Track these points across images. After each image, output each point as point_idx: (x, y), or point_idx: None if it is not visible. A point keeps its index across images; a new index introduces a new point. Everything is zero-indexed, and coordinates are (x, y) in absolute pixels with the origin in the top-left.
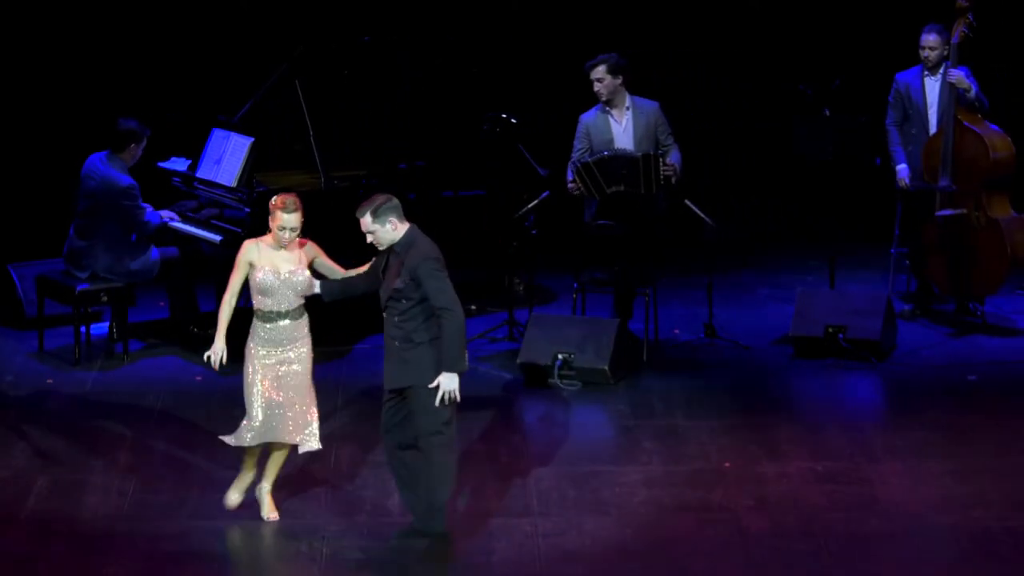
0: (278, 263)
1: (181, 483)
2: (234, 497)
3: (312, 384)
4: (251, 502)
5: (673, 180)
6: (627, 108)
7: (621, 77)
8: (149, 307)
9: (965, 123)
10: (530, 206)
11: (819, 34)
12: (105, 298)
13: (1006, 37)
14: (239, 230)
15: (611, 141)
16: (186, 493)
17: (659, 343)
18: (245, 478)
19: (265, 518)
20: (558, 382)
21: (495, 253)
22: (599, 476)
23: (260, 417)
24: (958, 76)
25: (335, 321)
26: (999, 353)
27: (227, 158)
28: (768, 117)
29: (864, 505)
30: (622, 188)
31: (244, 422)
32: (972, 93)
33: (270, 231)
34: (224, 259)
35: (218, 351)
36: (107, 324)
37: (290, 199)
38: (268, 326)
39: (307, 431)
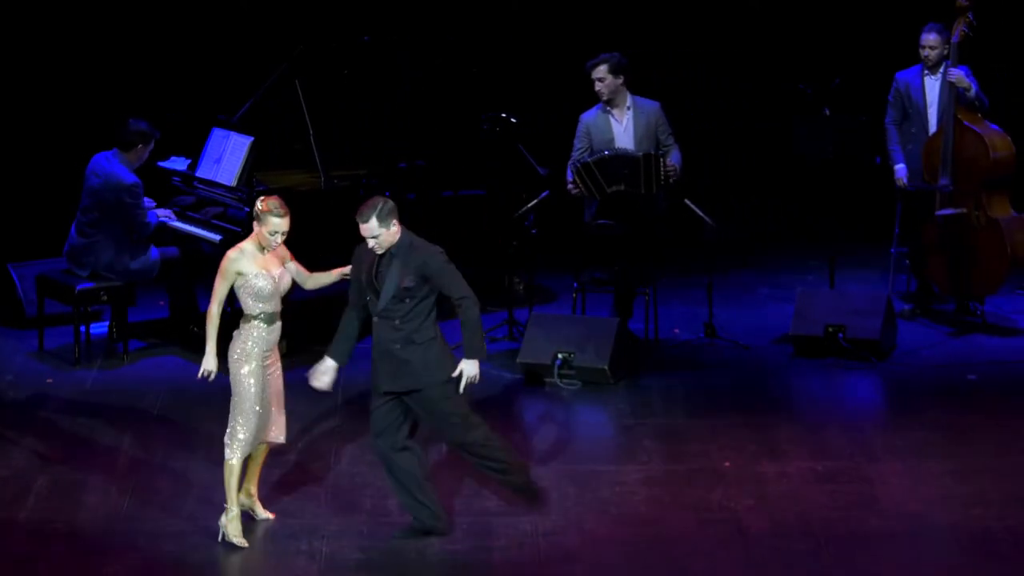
0: (268, 266)
1: (181, 483)
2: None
3: None
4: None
5: (672, 180)
6: (628, 108)
7: (622, 77)
8: (149, 307)
9: (965, 122)
10: (530, 206)
11: (819, 34)
12: (105, 297)
13: (1006, 36)
14: (239, 229)
15: (612, 141)
16: (186, 493)
17: (659, 343)
18: (236, 508)
19: (260, 518)
20: (558, 381)
21: (495, 253)
22: (599, 475)
23: (257, 424)
24: (958, 75)
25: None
26: (999, 353)
27: (227, 157)
28: (768, 117)
29: (864, 504)
30: (622, 188)
31: (242, 436)
32: (972, 92)
33: (254, 234)
34: None
35: (212, 369)
36: (107, 324)
37: (278, 202)
38: (269, 327)
39: (282, 425)
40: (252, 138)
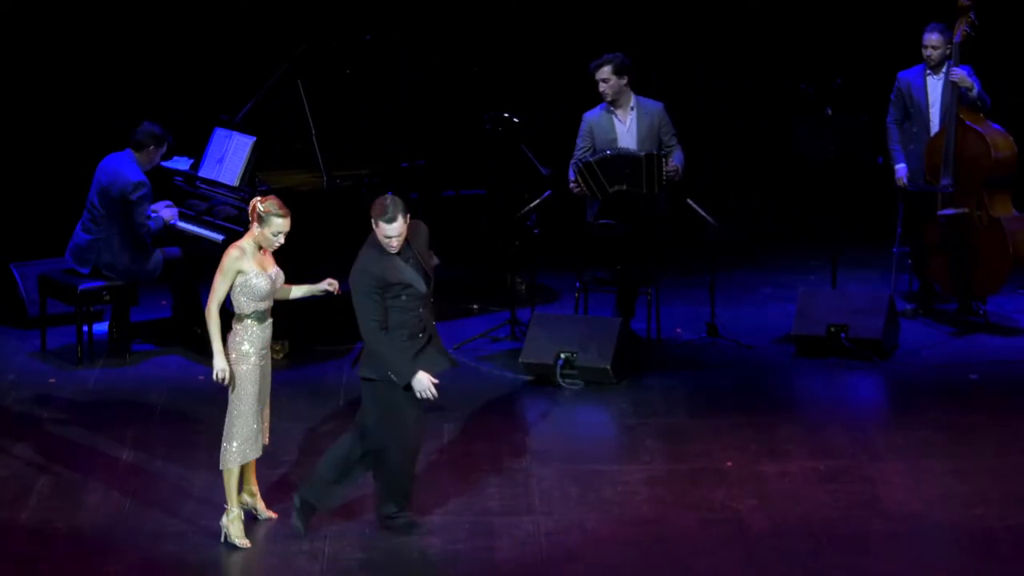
0: (265, 265)
1: (182, 483)
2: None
3: None
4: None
5: (675, 180)
6: (631, 108)
7: (626, 77)
8: (152, 306)
9: (967, 122)
10: (532, 205)
11: (820, 34)
12: (108, 297)
13: (1008, 36)
14: (241, 229)
15: (614, 141)
16: (187, 493)
17: (661, 342)
18: (237, 508)
19: (263, 518)
20: (560, 381)
21: (497, 252)
22: (601, 475)
23: (255, 425)
24: (960, 75)
25: (335, 320)
26: (1001, 352)
27: (229, 157)
28: (768, 117)
29: (865, 504)
30: (624, 188)
31: (239, 440)
32: (974, 92)
33: (251, 233)
34: None
35: (225, 368)
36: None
37: (278, 202)
38: (262, 325)
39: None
40: (254, 138)
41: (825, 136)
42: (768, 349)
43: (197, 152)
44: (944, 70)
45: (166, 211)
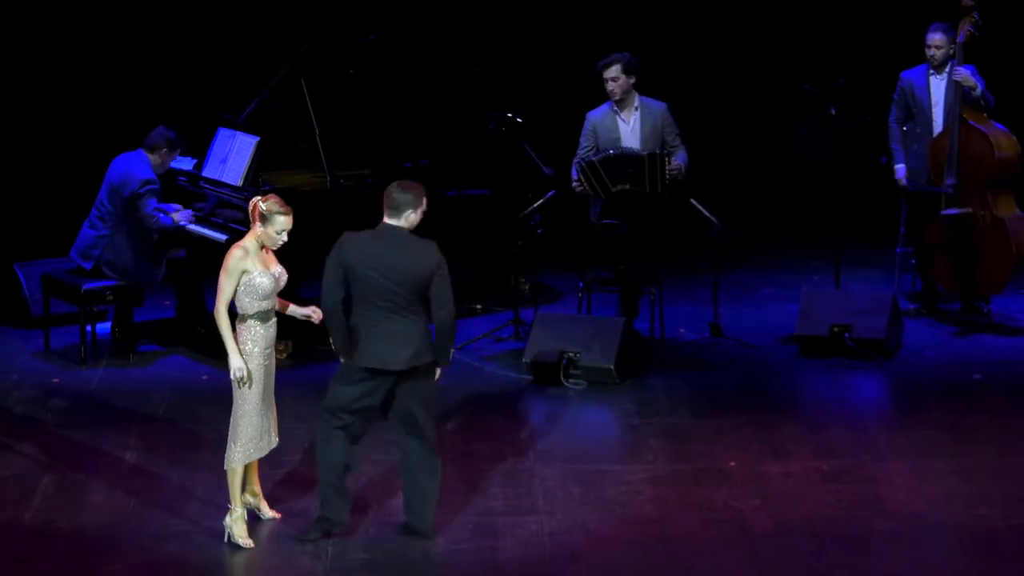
0: (268, 264)
1: (186, 483)
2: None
3: None
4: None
5: (678, 179)
6: (636, 108)
7: (634, 77)
8: (155, 306)
9: (970, 122)
10: (535, 205)
11: (820, 34)
12: (111, 297)
13: (1012, 35)
14: (245, 229)
15: (618, 140)
16: (190, 493)
17: (665, 342)
18: (241, 508)
19: (266, 518)
20: (564, 381)
21: (500, 252)
22: (604, 475)
23: (259, 425)
24: (964, 74)
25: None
26: (1004, 352)
27: (232, 157)
28: (768, 117)
29: (868, 504)
30: (627, 187)
31: (243, 440)
32: (978, 91)
33: (253, 232)
34: None
35: (242, 367)
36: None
37: (279, 200)
38: (265, 325)
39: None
40: (258, 138)
41: (825, 136)
42: (771, 349)
43: (201, 152)
44: (947, 70)
45: (179, 213)
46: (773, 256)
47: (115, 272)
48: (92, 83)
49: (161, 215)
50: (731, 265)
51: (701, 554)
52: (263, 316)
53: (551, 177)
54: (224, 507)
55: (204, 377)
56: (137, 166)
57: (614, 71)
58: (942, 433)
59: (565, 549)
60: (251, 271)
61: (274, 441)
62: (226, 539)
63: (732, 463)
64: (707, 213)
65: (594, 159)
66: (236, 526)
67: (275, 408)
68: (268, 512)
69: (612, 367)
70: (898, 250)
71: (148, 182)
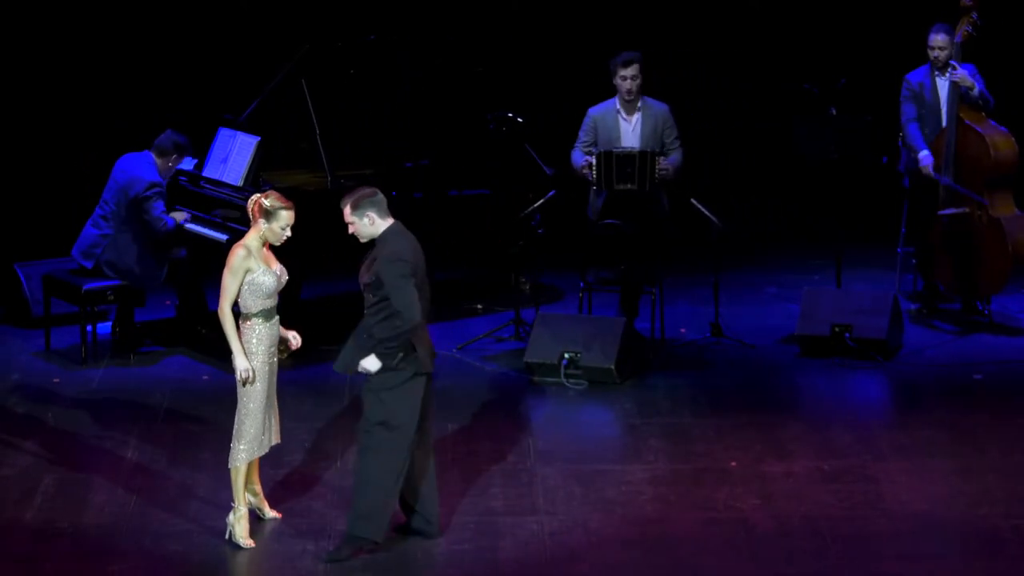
0: (270, 263)
1: (187, 483)
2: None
3: None
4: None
5: (667, 178)
6: (639, 108)
7: (643, 75)
8: (156, 307)
9: (967, 122)
10: (536, 205)
11: (821, 34)
12: (112, 297)
13: (1011, 35)
14: (244, 229)
15: (617, 139)
16: (192, 493)
17: (665, 342)
18: (244, 507)
19: (267, 518)
20: (564, 381)
21: (500, 252)
22: (605, 475)
23: (263, 423)
24: (962, 74)
25: (337, 319)
26: (1005, 352)
27: (233, 157)
28: (768, 117)
29: (869, 503)
30: (628, 187)
31: (247, 439)
32: (975, 91)
33: (255, 231)
34: None
35: (248, 368)
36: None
37: (279, 196)
38: (268, 323)
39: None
40: (258, 138)
41: (826, 136)
42: (772, 349)
43: (201, 152)
44: (950, 70)
45: (178, 213)
46: (774, 256)
47: (115, 272)
48: (92, 83)
49: (168, 218)
50: (732, 265)
51: (702, 554)
52: (266, 314)
53: (552, 177)
54: (225, 506)
55: (205, 377)
56: (144, 168)
57: (634, 69)
58: (943, 433)
59: (566, 549)
60: (254, 270)
61: (275, 439)
62: (227, 537)
63: (733, 463)
64: (708, 213)
65: (613, 150)
66: (239, 525)
67: (277, 407)
68: (269, 512)
69: (613, 367)
70: (899, 250)
71: (154, 185)
